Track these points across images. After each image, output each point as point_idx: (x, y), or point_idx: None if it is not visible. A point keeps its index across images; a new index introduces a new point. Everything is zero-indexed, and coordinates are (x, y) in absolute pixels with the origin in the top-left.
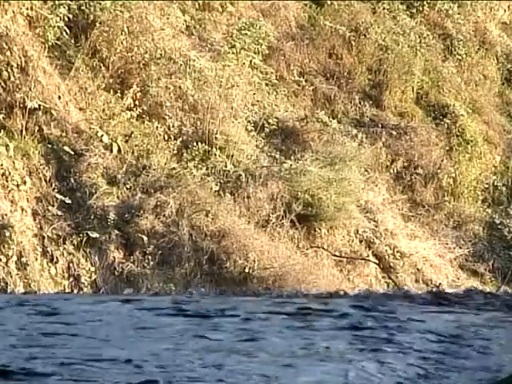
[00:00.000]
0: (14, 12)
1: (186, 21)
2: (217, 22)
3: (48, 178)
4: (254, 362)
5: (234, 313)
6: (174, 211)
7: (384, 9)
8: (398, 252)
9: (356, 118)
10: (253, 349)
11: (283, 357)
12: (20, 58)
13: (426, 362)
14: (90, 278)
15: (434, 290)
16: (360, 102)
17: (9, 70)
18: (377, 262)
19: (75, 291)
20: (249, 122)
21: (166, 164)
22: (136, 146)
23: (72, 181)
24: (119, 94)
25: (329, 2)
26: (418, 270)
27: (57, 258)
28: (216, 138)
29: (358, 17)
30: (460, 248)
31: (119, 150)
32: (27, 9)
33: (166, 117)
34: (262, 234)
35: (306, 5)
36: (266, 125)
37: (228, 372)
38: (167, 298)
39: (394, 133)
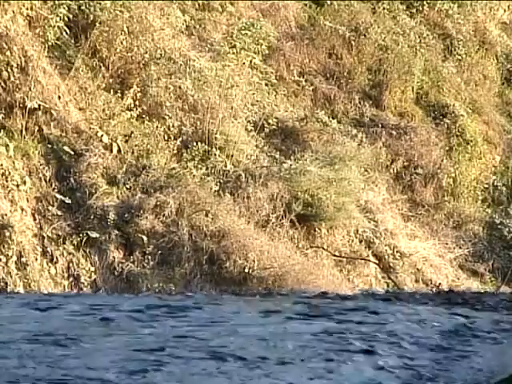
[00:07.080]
0: (13, 12)
1: (185, 21)
2: (217, 22)
3: (48, 178)
4: None
5: None
6: (174, 211)
7: (384, 9)
8: (397, 252)
9: (356, 118)
10: None
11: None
12: (20, 57)
13: (426, 362)
14: (90, 277)
15: (435, 289)
16: (360, 102)
17: (9, 70)
18: (377, 262)
19: (75, 291)
20: (249, 121)
21: (165, 164)
22: (136, 146)
23: (72, 181)
24: (119, 94)
25: (329, 2)
26: (417, 270)
27: (57, 257)
28: (216, 137)
29: (358, 17)
30: (460, 248)
31: (119, 150)
32: (27, 9)
33: (166, 117)
34: (262, 234)
35: (306, 5)
36: (266, 125)
37: None
38: None
39: (394, 133)
